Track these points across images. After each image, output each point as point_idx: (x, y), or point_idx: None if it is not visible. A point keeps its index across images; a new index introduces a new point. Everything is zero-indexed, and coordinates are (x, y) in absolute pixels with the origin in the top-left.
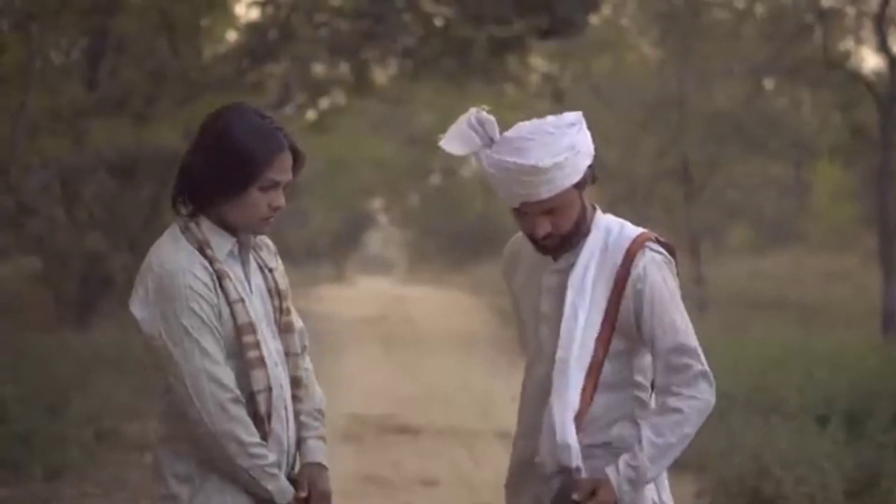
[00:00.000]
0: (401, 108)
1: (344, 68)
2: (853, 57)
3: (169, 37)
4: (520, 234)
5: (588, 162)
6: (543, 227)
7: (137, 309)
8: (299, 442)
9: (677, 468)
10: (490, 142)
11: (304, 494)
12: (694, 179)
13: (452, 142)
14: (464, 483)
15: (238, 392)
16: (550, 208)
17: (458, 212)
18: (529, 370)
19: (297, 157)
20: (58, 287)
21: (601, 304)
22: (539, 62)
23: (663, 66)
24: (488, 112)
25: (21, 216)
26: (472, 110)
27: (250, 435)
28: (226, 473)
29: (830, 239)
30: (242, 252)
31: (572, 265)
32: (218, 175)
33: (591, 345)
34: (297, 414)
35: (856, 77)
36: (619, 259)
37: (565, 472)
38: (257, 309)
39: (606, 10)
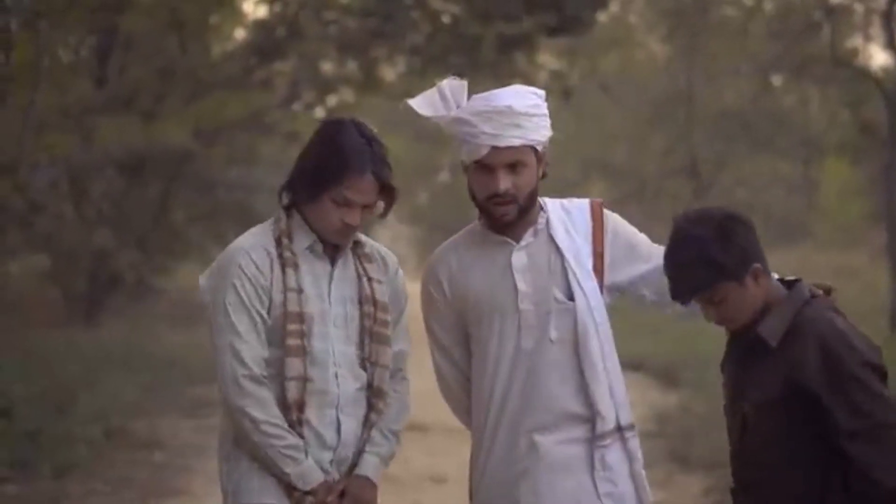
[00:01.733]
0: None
1: (352, 66)
2: (861, 54)
3: (177, 34)
4: (439, 249)
5: (548, 135)
6: (506, 182)
7: (203, 279)
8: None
9: (686, 466)
10: (457, 108)
11: (329, 498)
12: (702, 177)
13: (421, 103)
14: None
15: (258, 371)
16: (514, 162)
17: (466, 209)
18: (502, 353)
19: (386, 191)
20: (66, 285)
21: (587, 262)
22: (547, 59)
23: (671, 63)
24: (460, 79)
25: (30, 214)
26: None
27: (267, 415)
28: (254, 454)
29: (838, 236)
30: (336, 254)
31: (544, 230)
32: (304, 176)
33: (599, 297)
34: (369, 424)
35: (864, 74)
36: (587, 217)
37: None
38: (328, 308)
39: (614, 7)
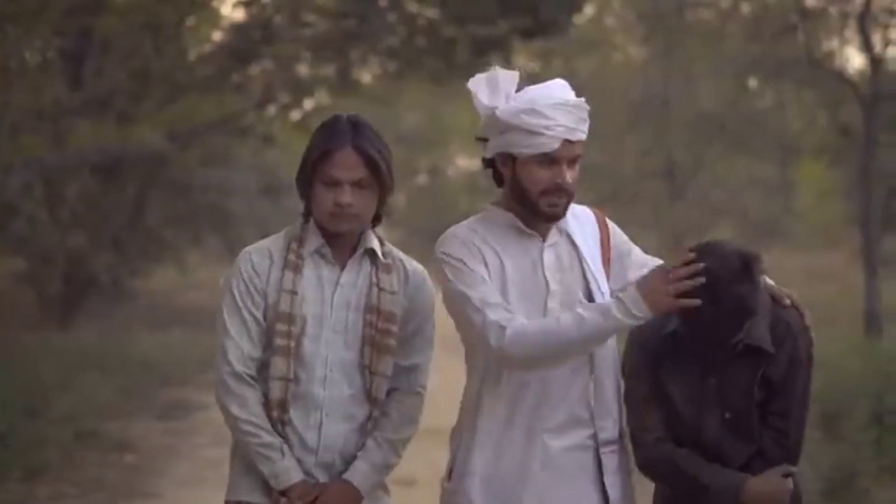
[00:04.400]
0: (386, 108)
1: (328, 68)
2: (837, 56)
3: (153, 37)
4: (454, 228)
5: None
6: (570, 175)
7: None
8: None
9: None
10: (505, 98)
11: (299, 503)
12: (679, 179)
13: (477, 87)
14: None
15: (241, 369)
16: (574, 158)
17: (444, 212)
18: None
19: (375, 170)
20: (41, 287)
21: (600, 268)
22: (523, 62)
23: (648, 65)
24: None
25: (4, 217)
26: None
27: (245, 413)
28: (243, 452)
29: (815, 238)
30: (349, 259)
31: (565, 231)
32: (300, 171)
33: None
34: (366, 432)
35: (840, 76)
36: (594, 226)
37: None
38: (328, 312)
39: (591, 9)
